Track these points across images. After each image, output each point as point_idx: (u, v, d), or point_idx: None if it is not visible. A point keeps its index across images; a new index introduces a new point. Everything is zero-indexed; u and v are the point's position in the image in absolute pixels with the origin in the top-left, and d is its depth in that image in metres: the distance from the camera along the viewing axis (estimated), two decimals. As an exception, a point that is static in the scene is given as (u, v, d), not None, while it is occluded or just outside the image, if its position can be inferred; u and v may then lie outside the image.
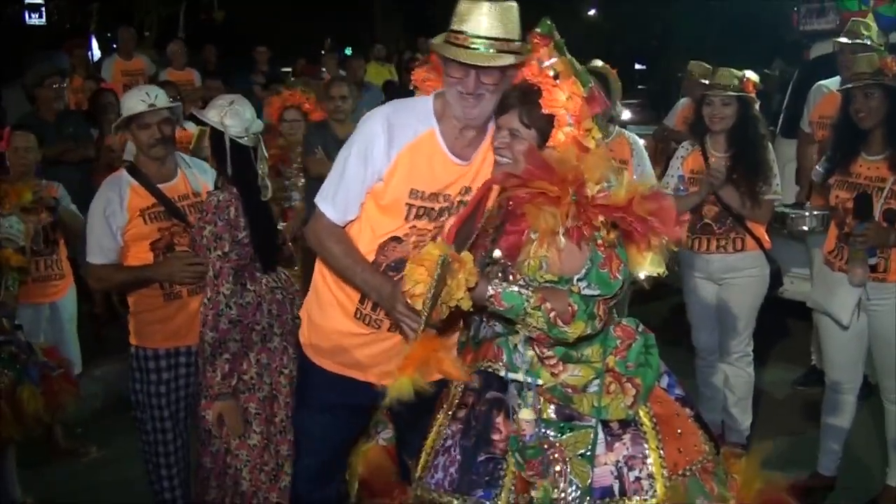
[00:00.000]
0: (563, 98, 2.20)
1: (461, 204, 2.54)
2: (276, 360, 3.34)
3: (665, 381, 2.46)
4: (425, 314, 2.19)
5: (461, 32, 2.34)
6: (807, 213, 4.62)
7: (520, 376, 2.36)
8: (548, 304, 2.20)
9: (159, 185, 3.54)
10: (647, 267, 2.25)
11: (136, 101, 3.49)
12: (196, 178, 3.67)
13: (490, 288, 2.24)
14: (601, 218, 2.16)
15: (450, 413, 2.45)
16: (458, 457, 2.36)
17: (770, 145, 4.19)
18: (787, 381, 5.49)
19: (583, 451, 2.29)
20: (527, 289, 2.24)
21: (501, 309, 2.25)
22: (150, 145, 3.51)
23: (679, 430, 2.36)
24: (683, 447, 2.34)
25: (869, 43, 4.97)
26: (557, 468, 2.28)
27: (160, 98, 3.53)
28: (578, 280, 2.22)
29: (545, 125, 2.24)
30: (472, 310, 2.30)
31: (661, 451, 2.30)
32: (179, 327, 3.49)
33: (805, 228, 4.63)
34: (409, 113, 2.57)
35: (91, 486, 4.36)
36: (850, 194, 3.72)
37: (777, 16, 7.14)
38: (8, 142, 4.55)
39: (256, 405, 3.31)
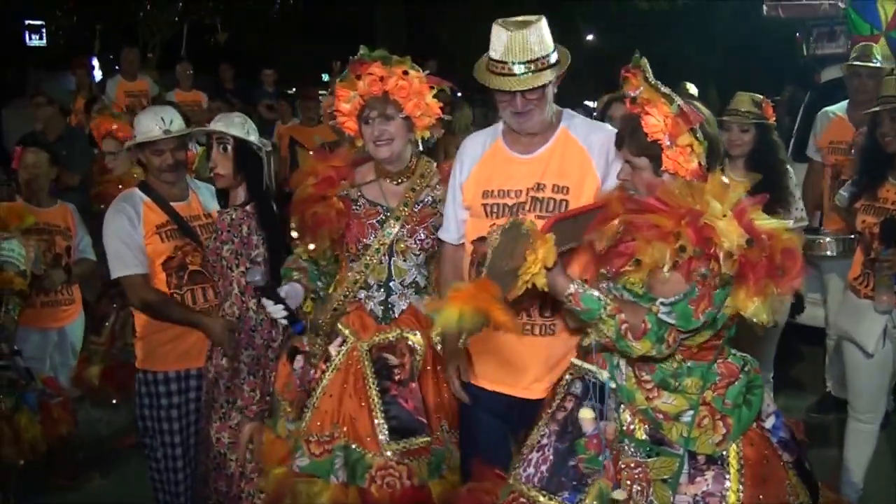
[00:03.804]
0: (659, 121, 2.30)
1: (535, 201, 2.77)
2: None
3: (771, 421, 2.46)
4: (489, 265, 2.33)
5: (500, 62, 2.63)
6: (829, 238, 4.55)
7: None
8: (622, 316, 2.26)
9: (172, 204, 3.52)
10: (752, 312, 2.22)
11: (151, 125, 3.46)
12: (206, 200, 3.66)
13: (572, 286, 2.31)
14: (727, 246, 2.15)
15: (549, 412, 2.53)
16: (551, 457, 2.44)
17: (790, 170, 4.14)
18: (800, 407, 5.40)
19: (666, 476, 2.31)
20: (606, 296, 2.31)
21: (578, 309, 2.32)
22: (161, 170, 3.49)
23: (764, 477, 2.33)
24: (764, 494, 2.31)
25: (880, 66, 4.96)
26: (639, 488, 2.32)
27: (175, 123, 3.51)
28: (661, 303, 2.23)
29: (653, 150, 2.34)
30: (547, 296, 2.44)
31: (741, 495, 2.29)
32: (190, 348, 3.45)
33: (830, 254, 4.54)
34: (481, 133, 3.00)
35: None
36: (877, 219, 3.67)
37: (784, 41, 7.12)
38: (19, 160, 4.46)
39: None
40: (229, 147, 3.28)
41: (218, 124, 3.32)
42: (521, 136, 2.83)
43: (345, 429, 2.92)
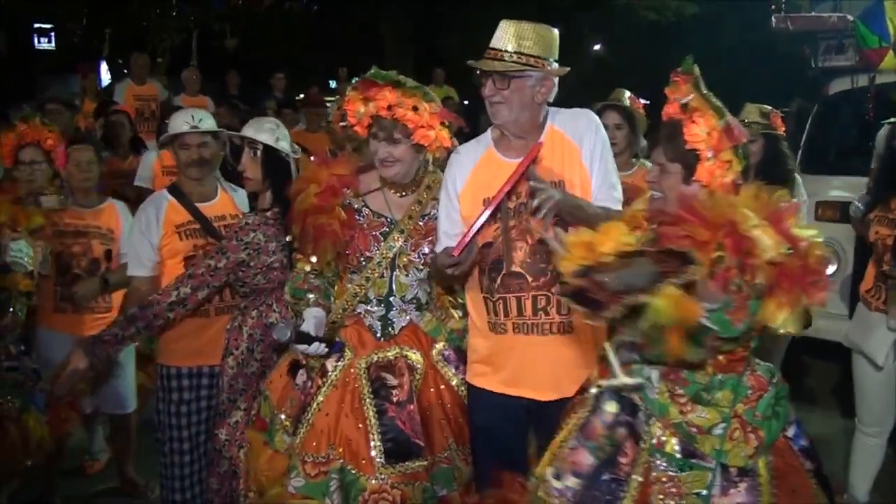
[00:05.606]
0: (703, 132, 2.32)
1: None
2: None
3: (792, 430, 2.47)
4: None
5: (493, 48, 2.71)
6: None
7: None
8: None
9: (197, 204, 3.62)
10: (781, 323, 2.20)
11: (181, 122, 3.62)
12: (240, 203, 3.75)
13: None
14: (768, 256, 2.14)
15: (578, 425, 2.48)
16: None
17: (799, 180, 4.14)
18: (806, 420, 5.37)
19: (699, 490, 2.32)
20: None
21: None
22: (186, 164, 3.64)
23: (794, 487, 2.35)
24: None
25: None
26: (672, 502, 2.32)
27: (205, 123, 3.65)
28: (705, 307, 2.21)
29: (689, 159, 2.36)
30: None
31: None
32: (203, 345, 3.49)
33: None
34: (469, 145, 2.94)
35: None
36: (890, 231, 3.65)
37: (793, 53, 7.09)
38: (66, 158, 4.22)
39: None
40: (258, 152, 3.35)
41: (248, 129, 3.40)
42: (513, 142, 2.82)
43: (340, 450, 2.84)
